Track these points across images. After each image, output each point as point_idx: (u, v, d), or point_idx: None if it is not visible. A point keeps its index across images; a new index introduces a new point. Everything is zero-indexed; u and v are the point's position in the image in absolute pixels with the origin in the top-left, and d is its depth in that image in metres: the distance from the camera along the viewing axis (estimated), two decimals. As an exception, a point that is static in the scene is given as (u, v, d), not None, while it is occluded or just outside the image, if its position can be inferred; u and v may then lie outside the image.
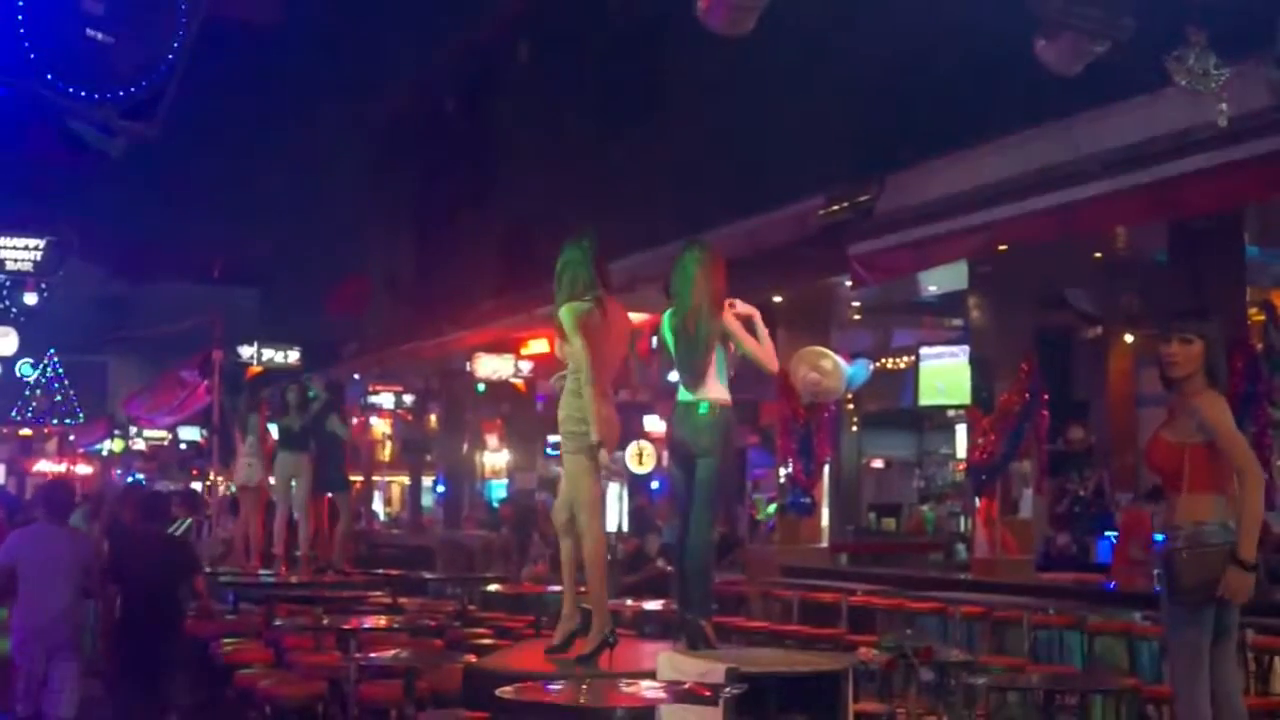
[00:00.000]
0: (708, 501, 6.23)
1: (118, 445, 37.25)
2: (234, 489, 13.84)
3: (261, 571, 12.63)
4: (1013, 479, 11.67)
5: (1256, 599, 5.79)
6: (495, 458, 25.03)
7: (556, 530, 6.52)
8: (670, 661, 5.62)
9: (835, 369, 7.62)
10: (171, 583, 8.31)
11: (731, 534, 13.97)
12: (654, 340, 6.57)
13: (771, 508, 14.06)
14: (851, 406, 17.77)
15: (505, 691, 4.52)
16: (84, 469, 34.70)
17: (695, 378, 6.23)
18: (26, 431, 39.30)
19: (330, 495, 13.04)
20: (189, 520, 15.82)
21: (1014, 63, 7.82)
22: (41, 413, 39.81)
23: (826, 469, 13.91)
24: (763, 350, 6.28)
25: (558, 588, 10.34)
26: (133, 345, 37.63)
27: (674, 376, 6.40)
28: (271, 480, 13.04)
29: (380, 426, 27.88)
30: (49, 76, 4.31)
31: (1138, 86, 8.72)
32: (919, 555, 15.38)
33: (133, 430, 35.82)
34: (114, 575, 8.17)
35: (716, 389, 6.23)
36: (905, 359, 16.64)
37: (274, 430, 12.97)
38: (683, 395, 6.29)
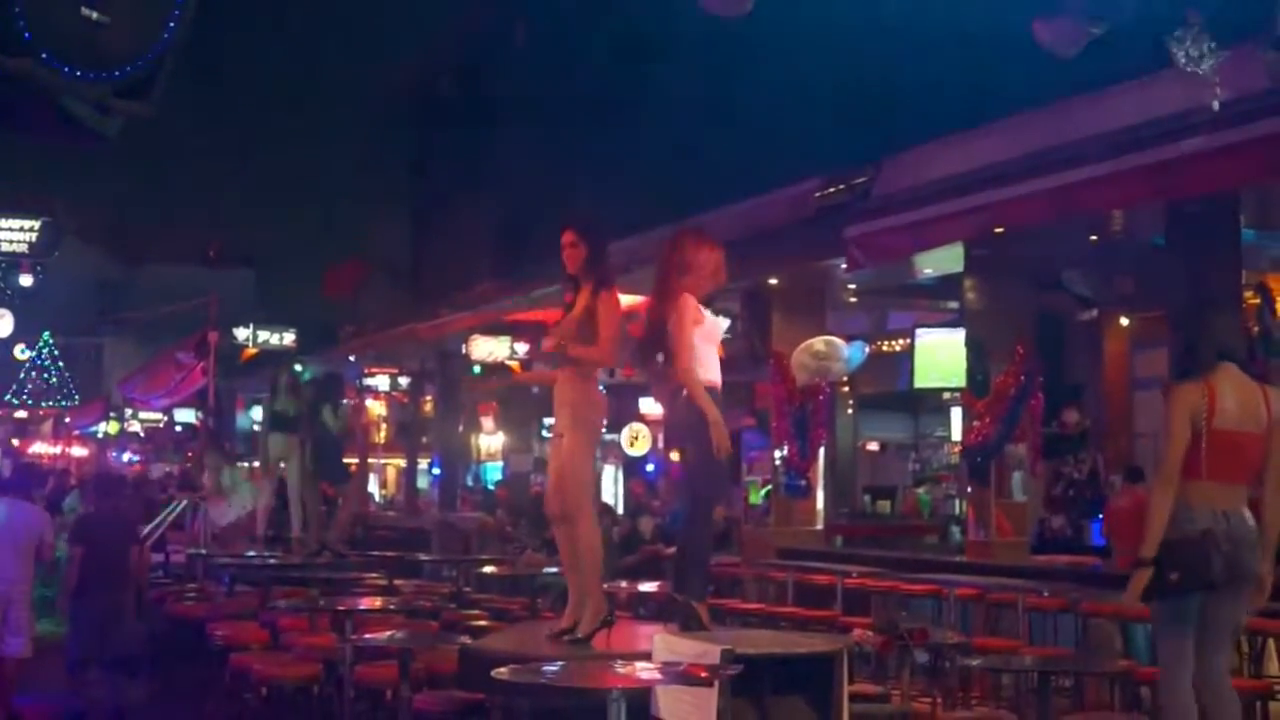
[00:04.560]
0: (687, 482, 6.24)
1: (113, 427, 37.18)
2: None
3: (251, 553, 12.61)
4: (1008, 462, 11.69)
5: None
6: (491, 440, 25.02)
7: (552, 517, 6.44)
8: (666, 643, 5.62)
9: (830, 347, 7.68)
10: (119, 549, 9.54)
11: (730, 519, 13.97)
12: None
13: (764, 491, 14.06)
14: (847, 389, 17.78)
15: (500, 673, 4.52)
16: (79, 451, 34.67)
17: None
18: (22, 414, 39.26)
19: (328, 484, 13.01)
20: (184, 502, 15.82)
21: (1012, 45, 7.82)
22: (37, 395, 39.78)
23: (822, 451, 13.91)
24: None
25: (552, 569, 10.37)
26: (128, 327, 37.56)
27: None
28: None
29: (376, 409, 27.85)
30: (44, 55, 4.29)
31: (1135, 69, 8.71)
32: (914, 537, 15.40)
33: (128, 412, 35.73)
34: (77, 540, 9.43)
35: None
36: (901, 341, 16.63)
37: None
38: None
